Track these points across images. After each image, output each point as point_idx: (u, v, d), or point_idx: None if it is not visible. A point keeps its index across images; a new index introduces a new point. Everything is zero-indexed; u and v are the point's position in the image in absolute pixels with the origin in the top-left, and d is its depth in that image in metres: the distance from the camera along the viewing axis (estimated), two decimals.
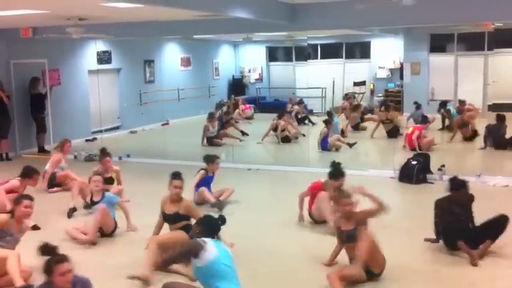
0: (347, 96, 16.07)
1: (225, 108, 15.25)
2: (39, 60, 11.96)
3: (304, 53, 17.20)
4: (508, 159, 11.02)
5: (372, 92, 16.92)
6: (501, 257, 5.64)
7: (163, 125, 15.41)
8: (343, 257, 5.36)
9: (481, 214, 5.81)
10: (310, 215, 6.83)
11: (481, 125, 12.25)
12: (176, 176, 5.87)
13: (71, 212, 7.39)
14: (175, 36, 14.35)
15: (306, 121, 14.94)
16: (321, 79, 16.60)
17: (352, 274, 4.93)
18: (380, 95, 16.64)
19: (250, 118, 16.30)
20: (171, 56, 16.51)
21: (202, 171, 7.77)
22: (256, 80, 18.44)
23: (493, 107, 13.75)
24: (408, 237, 6.35)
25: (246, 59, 18.95)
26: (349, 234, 5.14)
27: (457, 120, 12.71)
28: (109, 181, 7.98)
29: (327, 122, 11.91)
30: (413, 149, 11.00)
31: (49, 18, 9.31)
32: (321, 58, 17.93)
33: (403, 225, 6.72)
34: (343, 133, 12.81)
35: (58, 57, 12.74)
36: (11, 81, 11.86)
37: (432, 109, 13.97)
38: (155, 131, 15.02)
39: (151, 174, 9.97)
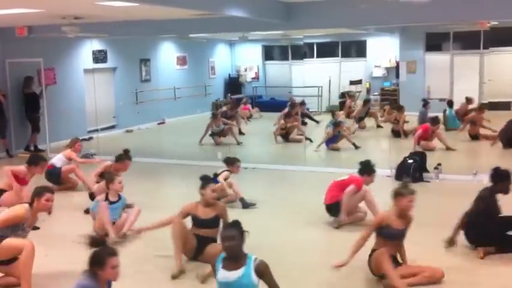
0: (349, 95, 16.06)
1: (224, 108, 15.16)
2: (35, 59, 11.90)
3: (300, 52, 17.20)
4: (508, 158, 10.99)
5: (368, 91, 16.92)
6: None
7: (159, 124, 15.38)
8: (342, 256, 5.26)
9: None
10: (327, 207, 6.73)
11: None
12: (209, 179, 5.84)
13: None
14: (171, 35, 14.32)
15: (306, 119, 14.83)
16: (317, 78, 16.59)
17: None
18: (376, 93, 16.66)
19: (248, 118, 16.27)
20: (167, 55, 16.49)
21: (227, 173, 7.80)
22: (252, 78, 18.39)
23: (489, 106, 13.77)
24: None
25: (242, 57, 18.91)
26: (399, 233, 5.04)
27: (466, 118, 12.68)
28: None
29: (337, 124, 11.92)
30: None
31: (44, 17, 9.28)
32: (317, 57, 17.90)
33: None
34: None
35: (53, 56, 12.68)
36: (6, 80, 11.83)
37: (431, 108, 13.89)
38: (151, 130, 14.99)
39: (148, 173, 9.94)
